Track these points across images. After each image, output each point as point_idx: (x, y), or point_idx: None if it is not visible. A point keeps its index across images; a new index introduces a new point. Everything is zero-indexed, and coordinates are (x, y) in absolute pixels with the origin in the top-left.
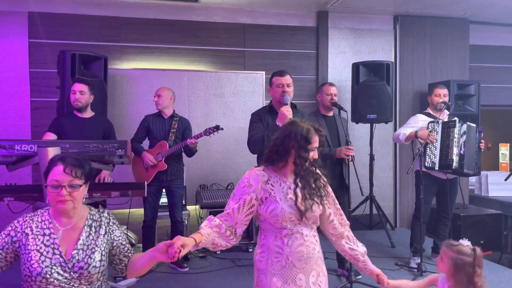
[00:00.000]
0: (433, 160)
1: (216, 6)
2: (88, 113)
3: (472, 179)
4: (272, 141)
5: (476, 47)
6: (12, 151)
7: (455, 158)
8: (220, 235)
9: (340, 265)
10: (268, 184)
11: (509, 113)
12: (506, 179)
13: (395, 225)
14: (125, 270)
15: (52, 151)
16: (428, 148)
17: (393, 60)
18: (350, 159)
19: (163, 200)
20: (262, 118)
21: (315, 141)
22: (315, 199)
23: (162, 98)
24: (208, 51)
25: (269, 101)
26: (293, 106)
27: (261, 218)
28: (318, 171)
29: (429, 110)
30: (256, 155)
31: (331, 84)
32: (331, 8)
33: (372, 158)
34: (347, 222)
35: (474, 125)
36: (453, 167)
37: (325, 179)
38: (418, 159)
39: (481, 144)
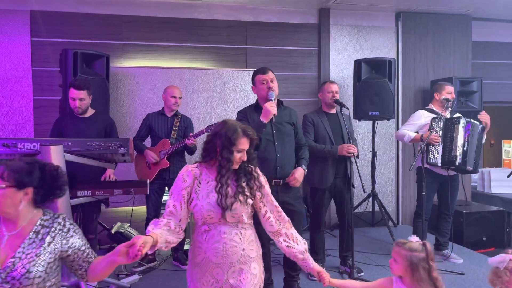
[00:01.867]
0: (436, 156)
1: (217, 4)
2: (88, 112)
3: (475, 176)
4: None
5: (478, 43)
6: (15, 149)
7: (459, 154)
8: (170, 232)
9: (342, 262)
10: (197, 180)
11: None
12: (508, 176)
13: (397, 222)
14: (86, 275)
15: (55, 150)
16: (431, 145)
17: (395, 57)
18: (352, 156)
19: (166, 197)
20: (248, 116)
21: (242, 143)
22: (240, 198)
23: (181, 100)
24: (209, 49)
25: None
26: (280, 103)
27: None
28: (256, 171)
29: (431, 106)
30: None
31: (332, 82)
32: (333, 5)
33: (374, 155)
34: (287, 219)
35: (478, 123)
36: (457, 164)
37: (261, 180)
38: (420, 156)
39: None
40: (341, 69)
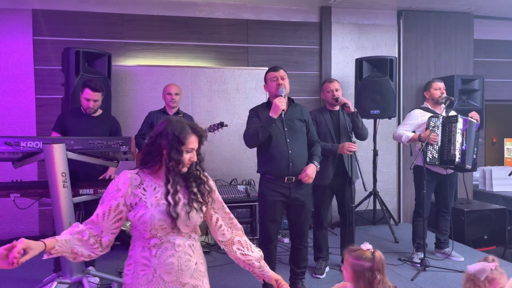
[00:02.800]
0: (434, 155)
1: (218, 2)
2: (97, 112)
3: (477, 174)
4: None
5: (480, 41)
6: (18, 147)
7: (457, 153)
8: (82, 242)
9: (343, 260)
10: (140, 188)
11: None
12: (510, 174)
13: (398, 220)
14: None
15: (57, 148)
16: (429, 144)
17: (396, 55)
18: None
19: None
20: (260, 114)
21: (191, 142)
22: (194, 205)
23: (179, 96)
24: (211, 47)
25: None
26: (291, 100)
27: (132, 226)
28: (205, 175)
29: (426, 105)
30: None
31: (331, 81)
32: (334, 3)
33: (375, 153)
34: (239, 226)
35: (474, 120)
36: (456, 163)
37: (210, 184)
38: (421, 154)
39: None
40: (342, 67)
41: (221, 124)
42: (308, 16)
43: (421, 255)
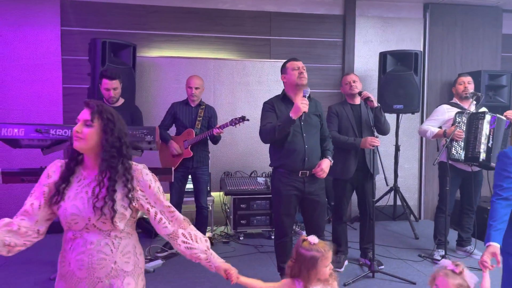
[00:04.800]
0: (459, 152)
1: None
2: (119, 101)
3: None
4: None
5: (509, 36)
6: (48, 135)
7: (483, 150)
8: (12, 233)
9: (362, 254)
10: (67, 179)
11: None
12: None
13: (419, 216)
14: None
15: None
16: (454, 140)
17: (421, 50)
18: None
19: (189, 185)
20: (275, 107)
21: (81, 114)
22: (116, 200)
23: (199, 90)
24: (233, 39)
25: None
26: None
27: None
28: (137, 168)
29: (455, 100)
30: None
31: (347, 73)
32: None
33: (397, 148)
34: (182, 218)
35: (504, 118)
36: (480, 160)
37: (146, 178)
38: (445, 150)
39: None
40: (365, 61)
41: (243, 118)
42: (332, 9)
43: (442, 252)
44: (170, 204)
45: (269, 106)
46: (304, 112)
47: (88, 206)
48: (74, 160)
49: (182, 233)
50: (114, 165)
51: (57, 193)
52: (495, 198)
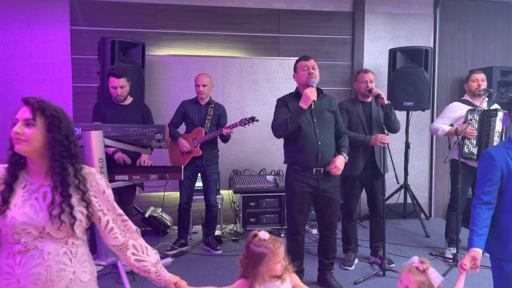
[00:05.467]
0: (471, 149)
1: None
2: (128, 100)
3: None
4: None
5: None
6: None
7: None
8: None
9: (373, 253)
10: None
11: None
12: None
13: (429, 215)
14: None
15: (95, 135)
16: (466, 138)
17: (432, 46)
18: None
19: (198, 183)
20: (288, 103)
21: (20, 112)
22: (70, 206)
23: (207, 87)
24: (242, 37)
25: None
26: (319, 91)
27: None
28: (90, 171)
29: (466, 97)
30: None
31: (366, 71)
32: None
33: (407, 146)
34: (134, 228)
35: None
36: None
37: (99, 183)
38: (457, 148)
39: None
40: (375, 58)
41: (252, 119)
42: (341, 6)
43: (453, 250)
44: (122, 213)
45: (282, 103)
46: (313, 101)
47: (42, 214)
48: (16, 165)
49: (132, 244)
50: (65, 167)
51: (2, 202)
52: (476, 202)
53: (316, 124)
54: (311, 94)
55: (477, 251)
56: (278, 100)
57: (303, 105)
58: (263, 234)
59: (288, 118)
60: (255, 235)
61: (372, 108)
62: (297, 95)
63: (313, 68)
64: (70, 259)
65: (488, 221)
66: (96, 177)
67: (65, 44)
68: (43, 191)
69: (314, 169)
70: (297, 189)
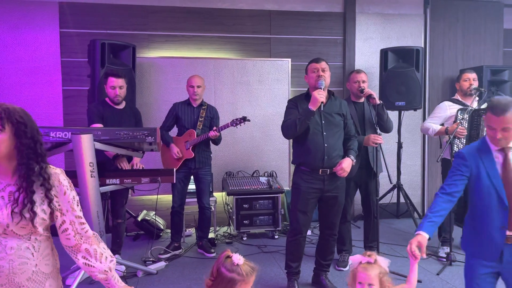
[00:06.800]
0: (460, 148)
1: None
2: (122, 104)
3: None
4: None
5: (510, 31)
6: (47, 138)
7: None
8: None
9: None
10: None
11: None
12: None
13: (422, 214)
14: None
15: (85, 138)
16: (457, 137)
17: (423, 46)
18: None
19: (191, 186)
20: (298, 105)
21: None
22: (32, 203)
23: (201, 89)
24: (233, 39)
25: (294, 89)
26: (331, 93)
27: None
28: (55, 171)
29: (457, 97)
30: (288, 142)
31: (358, 71)
32: None
33: (400, 145)
34: (90, 234)
35: None
36: None
37: (62, 183)
38: (449, 147)
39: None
40: (366, 58)
41: (244, 119)
42: (332, 6)
43: (447, 249)
44: (82, 216)
45: (292, 104)
46: (322, 102)
47: (6, 212)
48: None
49: (85, 248)
50: (32, 167)
51: None
52: (440, 191)
53: (324, 126)
54: (319, 96)
55: (424, 236)
56: (289, 101)
57: (312, 107)
58: (237, 258)
59: (297, 120)
60: (228, 257)
61: (365, 109)
62: (307, 96)
63: (323, 71)
64: (33, 254)
65: (445, 212)
66: (59, 177)
67: (54, 47)
68: (9, 190)
69: (321, 170)
70: (303, 189)
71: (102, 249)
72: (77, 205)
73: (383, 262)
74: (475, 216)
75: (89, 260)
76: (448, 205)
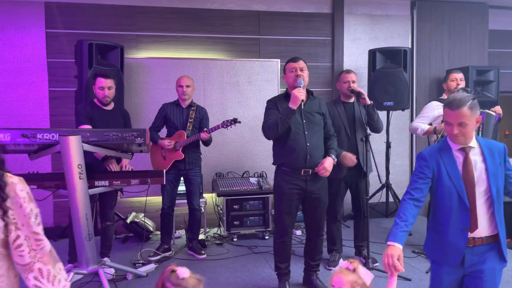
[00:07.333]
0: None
1: None
2: (111, 105)
3: None
4: None
5: (495, 32)
6: (35, 139)
7: None
8: None
9: (357, 252)
10: None
11: None
12: None
13: None
14: None
15: (73, 140)
16: (445, 137)
17: (410, 46)
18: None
19: (181, 187)
20: (278, 104)
21: None
22: None
23: (190, 89)
24: (222, 39)
25: (283, 89)
26: (310, 93)
27: None
28: (9, 178)
29: (444, 96)
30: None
31: (348, 71)
32: None
33: (388, 145)
34: (48, 250)
35: (493, 113)
36: None
37: (19, 195)
38: None
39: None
40: (355, 58)
41: (235, 121)
42: (320, 7)
43: None
44: (39, 232)
45: (272, 104)
46: (302, 101)
47: None
48: None
49: (38, 268)
50: None
51: None
52: (406, 197)
53: (305, 126)
54: (299, 94)
55: (400, 248)
56: (268, 102)
57: (292, 105)
58: (183, 272)
59: (278, 119)
60: (173, 271)
61: (355, 109)
62: (286, 96)
63: (301, 70)
64: None
65: (413, 220)
66: (16, 188)
67: (40, 48)
68: None
69: (303, 170)
70: (286, 190)
71: (58, 270)
72: (35, 219)
73: (365, 274)
74: (437, 219)
75: (40, 282)
76: (416, 211)
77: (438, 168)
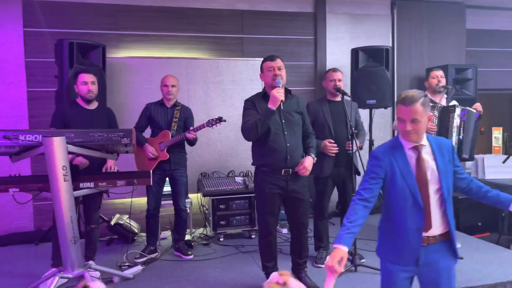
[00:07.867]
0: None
1: None
2: (94, 104)
3: (469, 162)
4: None
5: (472, 31)
6: (17, 141)
7: (454, 143)
8: None
9: None
10: None
11: (504, 96)
12: (504, 162)
13: None
14: None
15: (58, 141)
16: (427, 133)
17: (391, 45)
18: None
19: (167, 188)
20: (256, 104)
21: None
22: None
23: (176, 88)
24: (206, 38)
25: None
26: (287, 92)
27: None
28: None
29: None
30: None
31: (335, 70)
32: None
33: (371, 143)
34: None
35: (474, 110)
36: None
37: None
38: None
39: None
40: (337, 57)
41: (220, 119)
42: (303, 6)
43: None
44: None
45: (250, 104)
46: (282, 101)
47: None
48: None
49: None
50: None
51: None
52: (356, 197)
53: (284, 126)
54: (279, 94)
55: (344, 250)
56: (246, 101)
57: (272, 106)
58: (96, 287)
59: (258, 121)
60: (86, 287)
61: (341, 107)
62: (264, 95)
63: (279, 69)
64: None
65: (362, 221)
66: None
67: (18, 46)
68: None
69: (283, 170)
70: (267, 191)
71: None
72: None
73: (295, 286)
74: (390, 219)
75: None
76: (365, 212)
77: (391, 168)
